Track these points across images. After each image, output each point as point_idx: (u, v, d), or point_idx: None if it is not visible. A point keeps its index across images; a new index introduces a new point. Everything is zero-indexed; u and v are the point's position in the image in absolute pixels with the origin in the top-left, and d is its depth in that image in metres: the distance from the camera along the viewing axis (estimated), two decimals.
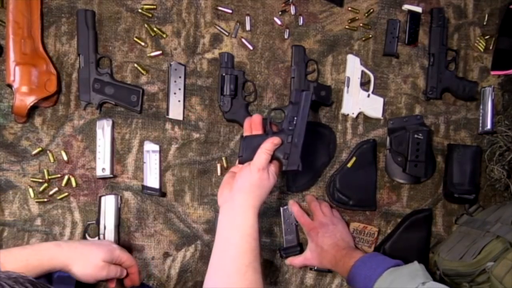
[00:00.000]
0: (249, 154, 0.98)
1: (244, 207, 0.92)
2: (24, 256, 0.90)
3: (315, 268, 1.18)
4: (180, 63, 1.17)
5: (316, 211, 1.17)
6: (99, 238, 1.12)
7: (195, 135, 1.18)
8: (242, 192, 0.93)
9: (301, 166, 1.00)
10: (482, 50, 1.28)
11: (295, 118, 1.01)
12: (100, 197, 1.13)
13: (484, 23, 1.29)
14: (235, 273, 0.87)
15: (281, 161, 0.99)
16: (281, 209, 1.19)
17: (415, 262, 0.99)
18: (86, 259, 0.96)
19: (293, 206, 1.18)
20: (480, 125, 1.27)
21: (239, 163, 1.01)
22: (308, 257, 1.15)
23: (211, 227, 1.17)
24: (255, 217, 0.93)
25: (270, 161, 0.98)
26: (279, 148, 0.99)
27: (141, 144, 1.16)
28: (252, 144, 0.98)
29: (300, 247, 1.18)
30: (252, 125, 1.02)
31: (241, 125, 1.17)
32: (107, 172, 1.13)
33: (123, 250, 1.03)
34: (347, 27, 1.24)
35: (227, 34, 1.20)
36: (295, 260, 1.17)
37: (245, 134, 1.03)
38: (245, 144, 0.99)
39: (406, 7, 1.25)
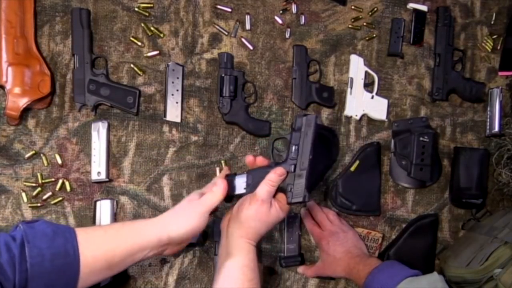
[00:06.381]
0: (252, 189, 0.94)
1: (238, 238, 0.90)
2: (114, 228, 0.88)
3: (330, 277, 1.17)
4: (178, 64, 1.15)
5: (324, 221, 1.15)
6: None
7: (194, 138, 1.16)
8: (237, 222, 0.91)
9: (308, 197, 0.94)
10: (489, 50, 1.27)
11: (297, 146, 0.95)
12: (95, 201, 1.11)
13: (492, 22, 1.28)
14: None
15: (286, 193, 0.95)
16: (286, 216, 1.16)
17: (435, 273, 0.98)
18: (181, 219, 0.89)
19: (305, 216, 1.17)
20: (488, 127, 1.25)
21: (227, 199, 0.97)
22: (321, 266, 1.13)
23: (209, 232, 1.14)
24: (251, 248, 0.91)
25: (276, 194, 0.94)
26: (284, 180, 0.95)
27: (138, 147, 1.13)
28: (255, 178, 0.94)
29: (301, 258, 1.17)
30: (257, 161, 0.98)
31: (241, 128, 1.16)
32: (103, 176, 1.10)
33: (204, 188, 0.95)
34: (350, 26, 1.22)
35: (226, 33, 1.17)
36: (308, 271, 1.15)
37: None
38: (249, 178, 0.95)
39: (411, 5, 1.24)
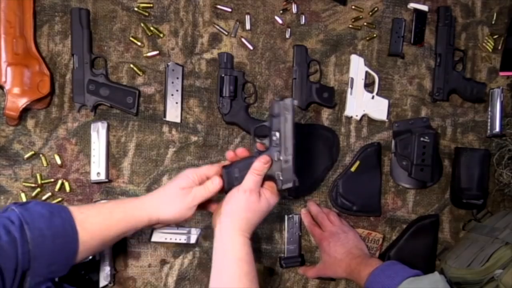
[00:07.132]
0: (240, 180, 0.93)
1: (231, 231, 0.89)
2: (107, 208, 0.88)
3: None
4: (177, 64, 1.14)
5: (324, 221, 1.14)
6: None
7: (193, 138, 1.15)
8: (229, 216, 0.90)
9: (298, 181, 0.95)
10: (490, 50, 1.27)
11: (279, 132, 0.94)
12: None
13: (493, 22, 1.27)
14: None
15: (276, 181, 0.95)
16: (286, 217, 1.17)
17: (436, 273, 0.97)
18: (169, 206, 0.90)
19: (305, 217, 1.16)
20: (489, 127, 1.25)
21: (225, 193, 0.95)
22: (322, 267, 1.13)
23: (209, 233, 1.14)
24: (245, 241, 0.89)
25: (264, 183, 0.94)
26: (271, 168, 0.94)
27: (137, 148, 1.13)
28: (242, 170, 0.93)
29: (301, 258, 1.16)
30: (238, 154, 0.97)
31: (241, 128, 1.15)
32: (102, 177, 1.10)
33: (200, 170, 0.94)
34: (350, 26, 1.22)
35: (226, 33, 1.17)
36: (309, 272, 1.15)
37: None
38: (231, 172, 0.94)
39: (412, 5, 1.23)
